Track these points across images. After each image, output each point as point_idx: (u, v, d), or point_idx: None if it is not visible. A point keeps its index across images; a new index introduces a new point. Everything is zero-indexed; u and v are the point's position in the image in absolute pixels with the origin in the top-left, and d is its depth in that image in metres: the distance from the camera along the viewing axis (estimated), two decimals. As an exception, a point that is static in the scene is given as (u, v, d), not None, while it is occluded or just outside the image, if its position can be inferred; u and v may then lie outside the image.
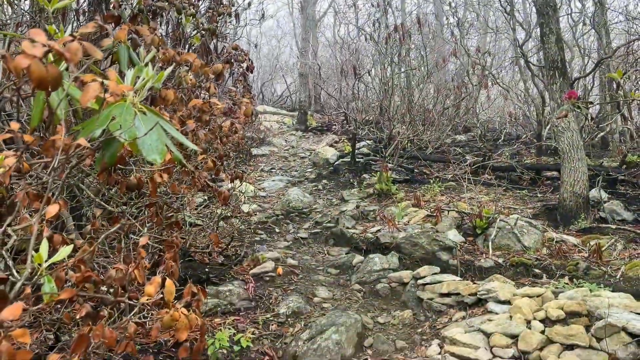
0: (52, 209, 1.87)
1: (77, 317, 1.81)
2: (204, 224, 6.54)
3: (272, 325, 4.48)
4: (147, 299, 1.69)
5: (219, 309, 4.62)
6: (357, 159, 10.47)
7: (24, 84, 1.38)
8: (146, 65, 2.25)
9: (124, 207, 2.93)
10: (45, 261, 1.67)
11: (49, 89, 1.11)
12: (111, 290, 1.97)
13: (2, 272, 1.82)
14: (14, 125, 1.59)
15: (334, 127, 16.10)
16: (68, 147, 1.87)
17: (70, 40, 1.17)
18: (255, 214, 7.91)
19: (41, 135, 2.09)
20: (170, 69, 2.06)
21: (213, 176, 3.83)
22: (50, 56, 1.35)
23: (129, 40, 2.48)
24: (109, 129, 1.74)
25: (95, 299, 1.91)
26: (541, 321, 3.82)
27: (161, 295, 1.76)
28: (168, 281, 1.72)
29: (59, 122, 1.90)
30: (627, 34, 11.54)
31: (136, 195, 2.67)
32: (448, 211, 6.89)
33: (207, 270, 5.31)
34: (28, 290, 1.41)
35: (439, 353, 3.85)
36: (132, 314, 1.75)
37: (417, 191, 7.92)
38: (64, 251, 1.69)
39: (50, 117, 1.96)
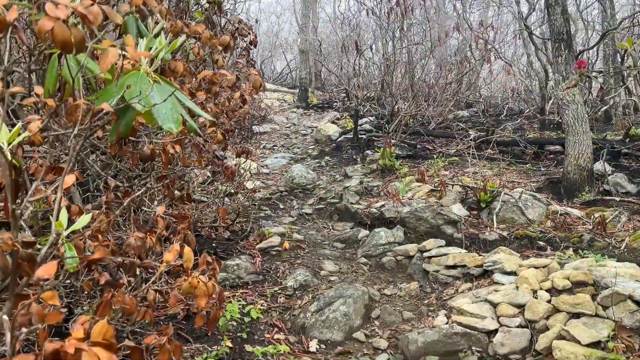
0: (69, 179, 1.88)
1: (100, 283, 1.83)
2: (209, 200, 6.56)
3: (280, 298, 4.54)
4: (167, 266, 1.71)
5: (227, 282, 4.67)
6: (359, 136, 10.45)
7: (46, 49, 1.37)
8: (155, 36, 2.24)
9: (133, 180, 2.94)
10: (65, 229, 1.69)
11: (74, 52, 1.11)
12: (127, 260, 2.00)
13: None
14: (39, 90, 1.59)
15: (336, 104, 16.00)
16: (93, 113, 1.87)
17: (90, 4, 1.16)
18: (259, 191, 7.93)
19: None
20: (183, 38, 2.04)
21: (221, 150, 3.83)
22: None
23: (137, 12, 2.46)
24: (124, 98, 1.74)
25: (114, 268, 1.93)
26: (547, 291, 3.87)
27: (179, 263, 1.78)
28: (187, 248, 1.73)
29: (70, 93, 1.90)
30: (632, 6, 11.41)
31: (144, 168, 2.68)
32: (452, 185, 6.91)
33: (214, 245, 5.35)
34: (62, 250, 1.43)
35: (446, 323, 3.90)
36: (150, 281, 1.77)
37: (421, 166, 7.93)
38: (84, 220, 1.71)
39: (63, 88, 1.96)
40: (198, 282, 1.77)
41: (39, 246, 1.73)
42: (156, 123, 1.77)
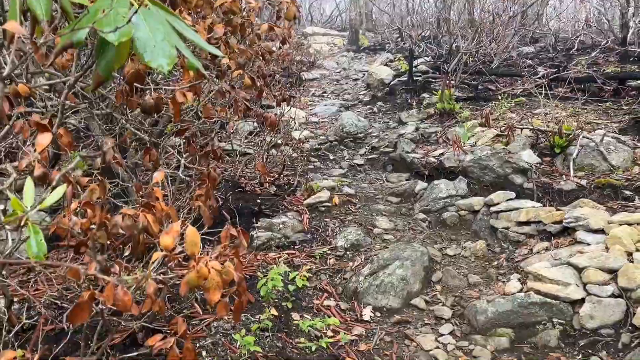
0: (44, 139, 1.47)
1: (89, 272, 1.44)
2: (255, 153, 6.18)
3: (330, 259, 4.14)
4: (165, 253, 1.29)
5: (272, 242, 4.32)
6: (414, 78, 9.68)
7: None
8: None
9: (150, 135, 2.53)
10: (33, 207, 1.28)
11: None
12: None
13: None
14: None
15: (388, 45, 15.08)
16: (56, 52, 1.44)
17: None
18: (308, 141, 7.47)
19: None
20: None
21: (254, 98, 3.36)
22: None
23: None
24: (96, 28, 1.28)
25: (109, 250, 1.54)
26: (646, 253, 3.25)
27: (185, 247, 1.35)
28: (190, 230, 1.30)
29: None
30: None
31: (156, 122, 2.27)
32: (520, 129, 6.18)
33: (259, 201, 4.98)
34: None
35: (520, 290, 3.38)
36: (151, 269, 1.37)
37: (485, 108, 7.18)
38: (55, 194, 1.30)
39: (33, 22, 1.53)
40: (209, 270, 1.34)
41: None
42: (142, 59, 1.31)
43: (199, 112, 2.43)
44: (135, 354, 2.05)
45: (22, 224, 1.24)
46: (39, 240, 1.23)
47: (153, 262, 1.32)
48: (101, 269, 1.45)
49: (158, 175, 1.53)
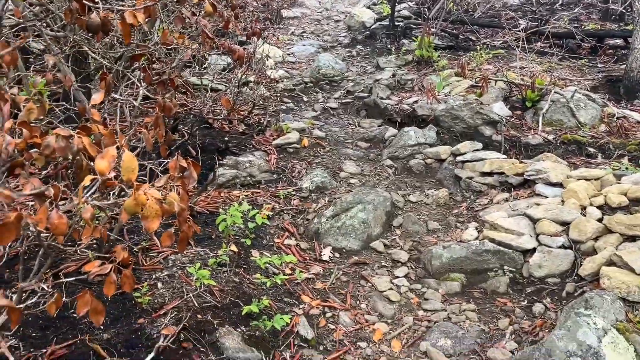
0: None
1: (25, 192, 1.39)
2: (226, 89, 6.04)
3: (294, 200, 4.15)
4: (101, 178, 1.24)
5: (237, 180, 4.29)
6: (396, 23, 9.47)
7: None
8: None
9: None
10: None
11: None
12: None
13: None
14: None
15: (373, -13, 14.64)
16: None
17: None
18: (282, 81, 7.32)
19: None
20: None
21: (223, 29, 3.24)
22: None
23: None
24: None
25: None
26: (599, 208, 3.34)
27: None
28: (126, 154, 1.26)
29: None
30: None
31: (112, 45, 2.16)
32: (495, 81, 6.15)
33: (226, 139, 4.91)
34: None
35: (476, 238, 3.46)
36: (88, 193, 1.33)
37: (462, 59, 7.10)
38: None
39: None
40: (147, 198, 1.31)
41: None
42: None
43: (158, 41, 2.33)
44: (72, 278, 2.04)
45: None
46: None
47: (86, 187, 1.29)
48: (38, 193, 1.41)
49: (97, 97, 1.46)
